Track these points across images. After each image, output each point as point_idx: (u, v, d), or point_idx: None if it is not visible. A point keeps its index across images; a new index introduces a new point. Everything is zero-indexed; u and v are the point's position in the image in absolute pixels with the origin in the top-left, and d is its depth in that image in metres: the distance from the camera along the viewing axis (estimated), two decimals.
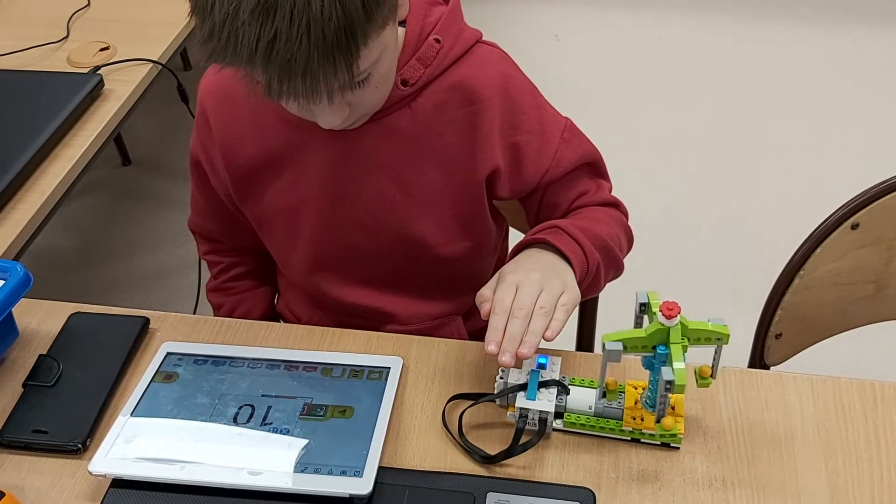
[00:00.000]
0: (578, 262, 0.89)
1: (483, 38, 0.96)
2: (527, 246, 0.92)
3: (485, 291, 0.86)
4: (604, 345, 0.77)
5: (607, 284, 1.01)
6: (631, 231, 1.04)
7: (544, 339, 0.80)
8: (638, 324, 0.81)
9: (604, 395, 0.83)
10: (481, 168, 0.95)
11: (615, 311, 1.29)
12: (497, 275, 0.87)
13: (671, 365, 0.75)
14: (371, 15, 0.74)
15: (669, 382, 0.75)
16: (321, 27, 0.71)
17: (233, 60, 0.74)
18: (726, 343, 0.78)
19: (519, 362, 0.81)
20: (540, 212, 1.03)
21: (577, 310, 1.07)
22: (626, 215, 1.05)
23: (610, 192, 1.04)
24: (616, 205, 1.04)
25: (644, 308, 0.80)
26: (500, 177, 0.97)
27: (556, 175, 0.97)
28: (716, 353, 0.80)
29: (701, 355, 0.81)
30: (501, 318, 0.81)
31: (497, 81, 0.94)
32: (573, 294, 0.85)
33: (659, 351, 0.77)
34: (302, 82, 0.73)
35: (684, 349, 0.77)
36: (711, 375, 0.81)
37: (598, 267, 0.93)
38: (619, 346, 0.77)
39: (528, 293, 0.82)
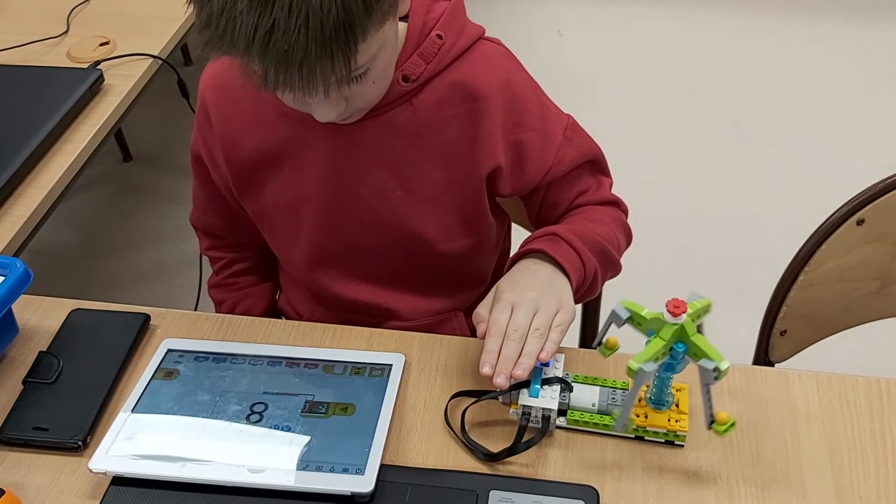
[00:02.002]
0: (576, 272, 0.89)
1: (486, 35, 0.95)
2: (524, 256, 0.92)
3: (481, 311, 0.85)
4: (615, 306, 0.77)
5: (608, 283, 1.01)
6: (630, 229, 1.04)
7: (538, 360, 0.80)
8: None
9: (599, 345, 0.82)
10: (483, 165, 0.95)
11: None
12: (493, 290, 0.87)
13: (704, 357, 0.74)
14: (370, 10, 0.73)
15: (716, 370, 0.72)
16: (320, 20, 0.70)
17: (229, 49, 0.73)
18: (720, 378, 0.74)
19: None
20: (541, 210, 1.03)
21: (579, 307, 1.07)
22: (626, 213, 1.04)
23: (610, 188, 1.04)
24: (616, 203, 1.03)
25: (629, 320, 0.78)
26: (501, 174, 0.96)
27: (559, 174, 0.97)
28: (704, 393, 0.76)
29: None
30: (496, 340, 0.81)
31: (500, 79, 0.93)
32: (569, 313, 0.85)
33: (677, 349, 0.75)
34: (298, 74, 0.73)
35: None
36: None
37: (596, 273, 0.93)
38: (626, 314, 0.77)
39: (524, 314, 0.82)
